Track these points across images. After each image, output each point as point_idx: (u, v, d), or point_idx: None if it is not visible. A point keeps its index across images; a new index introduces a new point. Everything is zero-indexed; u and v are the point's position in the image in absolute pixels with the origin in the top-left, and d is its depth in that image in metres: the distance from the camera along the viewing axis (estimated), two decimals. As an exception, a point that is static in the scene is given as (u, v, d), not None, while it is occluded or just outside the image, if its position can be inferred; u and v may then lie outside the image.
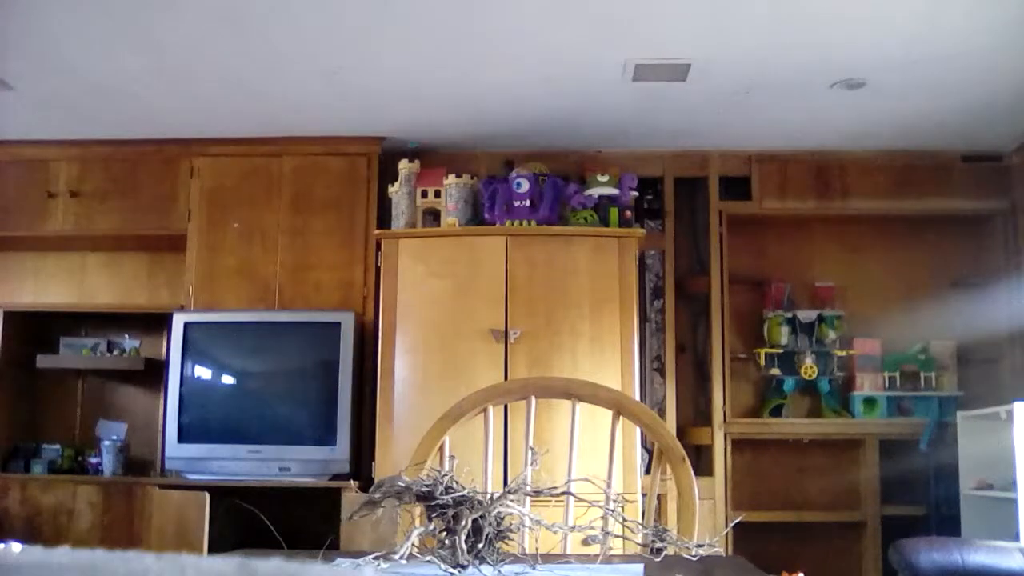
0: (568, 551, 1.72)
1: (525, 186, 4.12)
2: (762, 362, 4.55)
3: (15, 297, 4.63)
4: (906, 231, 4.68)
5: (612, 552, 1.77)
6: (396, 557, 1.37)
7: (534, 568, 1.43)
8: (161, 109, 4.13)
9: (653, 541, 1.63)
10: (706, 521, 4.19)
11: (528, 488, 1.53)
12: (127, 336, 4.67)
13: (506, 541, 1.40)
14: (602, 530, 1.54)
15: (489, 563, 1.35)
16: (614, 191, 4.18)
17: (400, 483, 1.34)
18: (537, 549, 1.52)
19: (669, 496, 4.10)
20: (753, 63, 3.60)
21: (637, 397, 3.97)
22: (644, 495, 3.78)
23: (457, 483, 1.35)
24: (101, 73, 3.75)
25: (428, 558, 1.37)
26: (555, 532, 1.53)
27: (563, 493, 1.54)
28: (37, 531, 4.05)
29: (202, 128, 4.33)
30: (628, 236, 4.03)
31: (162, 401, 4.40)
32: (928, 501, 4.26)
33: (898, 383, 4.48)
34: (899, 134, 4.35)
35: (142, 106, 4.10)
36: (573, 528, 1.59)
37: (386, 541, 1.44)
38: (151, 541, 3.85)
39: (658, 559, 1.59)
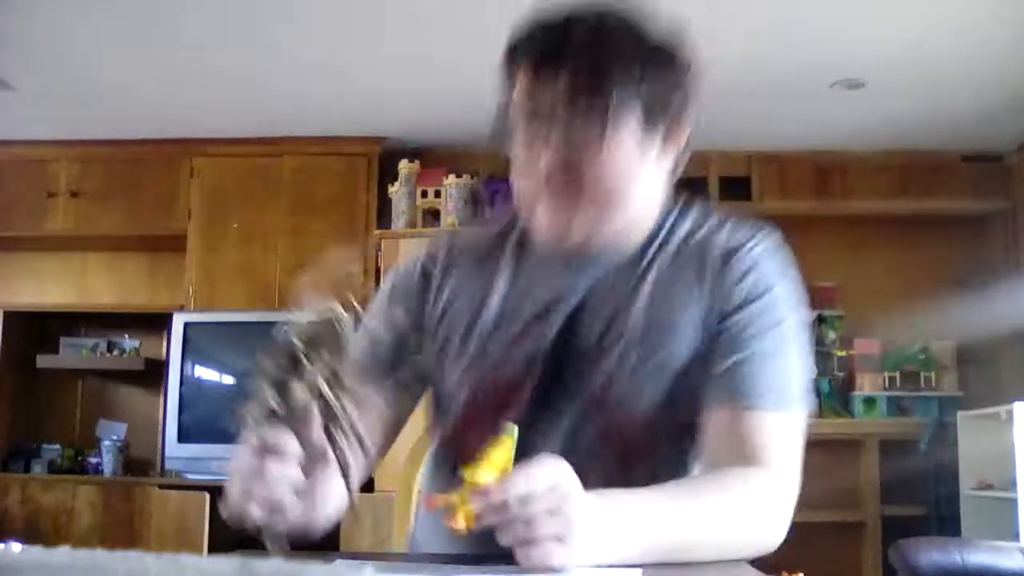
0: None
1: (525, 186, 4.11)
2: (762, 362, 4.54)
3: (15, 297, 4.63)
4: (906, 231, 4.67)
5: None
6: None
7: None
8: (161, 109, 4.13)
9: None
10: (706, 521, 4.19)
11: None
12: (127, 336, 4.67)
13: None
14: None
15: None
16: (614, 191, 4.17)
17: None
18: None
19: (669, 496, 4.09)
20: (753, 63, 3.59)
21: (637, 397, 3.96)
22: (644, 495, 3.78)
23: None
24: (101, 73, 3.75)
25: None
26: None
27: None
28: (37, 531, 4.04)
29: (202, 128, 4.33)
30: (628, 236, 4.02)
31: (162, 401, 4.40)
32: (928, 501, 4.25)
33: (898, 383, 4.47)
34: (899, 134, 4.34)
35: (142, 106, 4.10)
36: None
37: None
38: (151, 541, 3.85)
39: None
